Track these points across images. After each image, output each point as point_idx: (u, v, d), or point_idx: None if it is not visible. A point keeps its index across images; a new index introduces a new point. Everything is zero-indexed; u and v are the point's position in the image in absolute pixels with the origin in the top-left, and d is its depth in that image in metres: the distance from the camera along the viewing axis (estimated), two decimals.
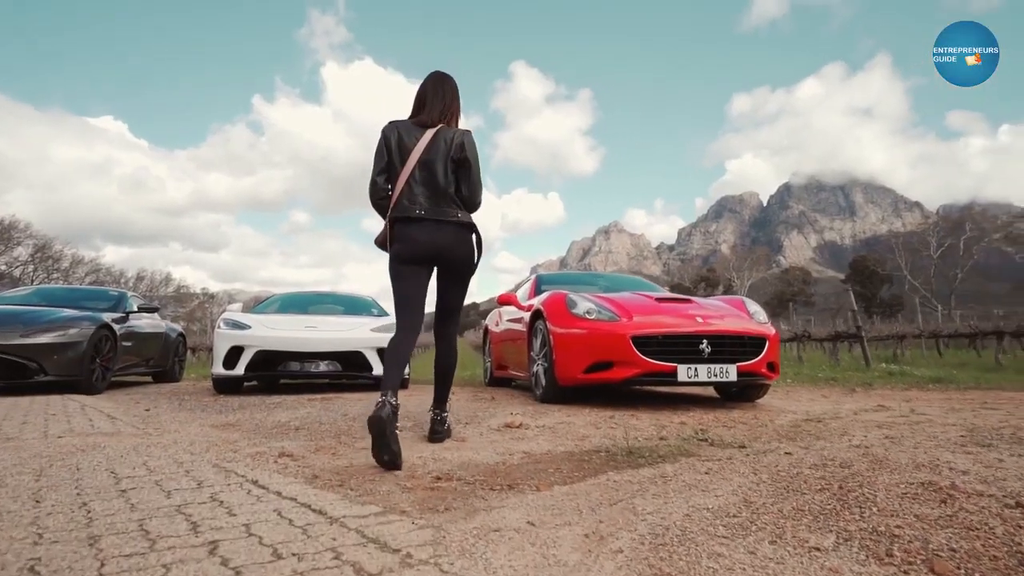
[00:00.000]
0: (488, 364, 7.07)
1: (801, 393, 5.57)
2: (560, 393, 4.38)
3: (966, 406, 4.35)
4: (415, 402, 4.65)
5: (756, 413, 3.91)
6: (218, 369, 5.43)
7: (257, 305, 7.02)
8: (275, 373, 5.50)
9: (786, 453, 2.46)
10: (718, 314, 4.31)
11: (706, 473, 2.08)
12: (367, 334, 5.73)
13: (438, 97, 2.80)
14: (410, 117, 2.82)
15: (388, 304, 7.16)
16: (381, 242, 2.82)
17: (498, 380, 6.63)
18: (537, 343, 4.67)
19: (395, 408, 2.32)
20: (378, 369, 5.62)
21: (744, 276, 69.45)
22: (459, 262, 2.78)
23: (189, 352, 18.27)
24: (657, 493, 1.80)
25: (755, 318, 4.42)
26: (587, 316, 4.19)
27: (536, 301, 4.98)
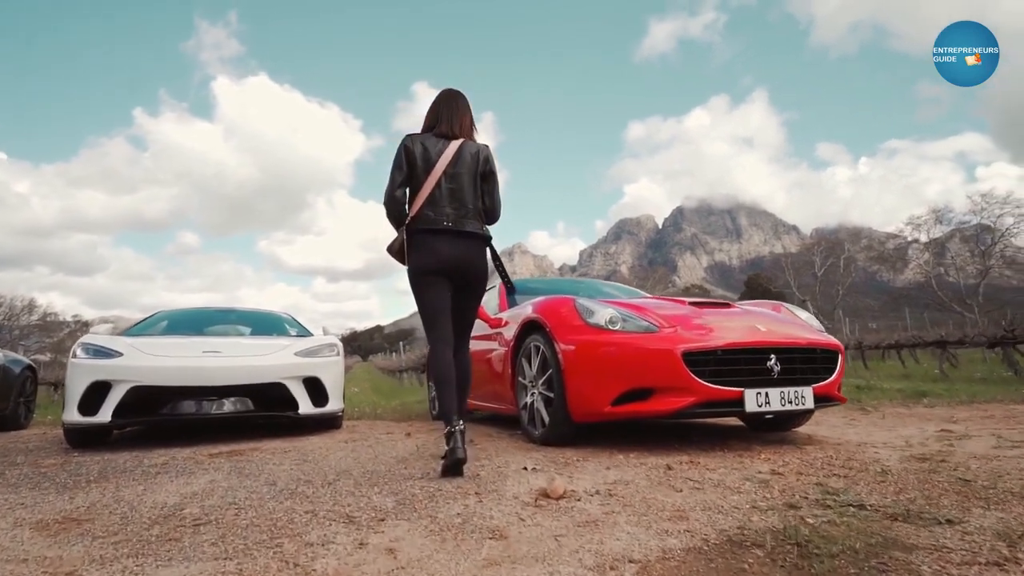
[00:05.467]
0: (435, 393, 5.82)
1: (817, 416, 4.76)
2: (572, 432, 3.26)
3: None
4: (367, 454, 3.35)
5: (838, 451, 2.97)
6: (72, 415, 3.82)
7: (133, 326, 5.32)
8: (158, 418, 3.95)
9: None
10: (778, 321, 3.37)
11: None
12: (289, 359, 4.31)
13: (457, 111, 2.81)
14: (426, 130, 2.81)
15: (307, 322, 5.76)
16: (397, 251, 2.76)
17: None
18: (531, 366, 3.53)
19: (463, 432, 2.46)
20: (305, 405, 4.22)
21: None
22: (476, 276, 2.78)
23: (50, 389, 15.44)
24: None
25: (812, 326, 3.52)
26: (610, 327, 3.11)
27: (521, 311, 3.85)
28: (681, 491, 2.20)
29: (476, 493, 2.19)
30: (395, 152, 2.73)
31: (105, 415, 3.77)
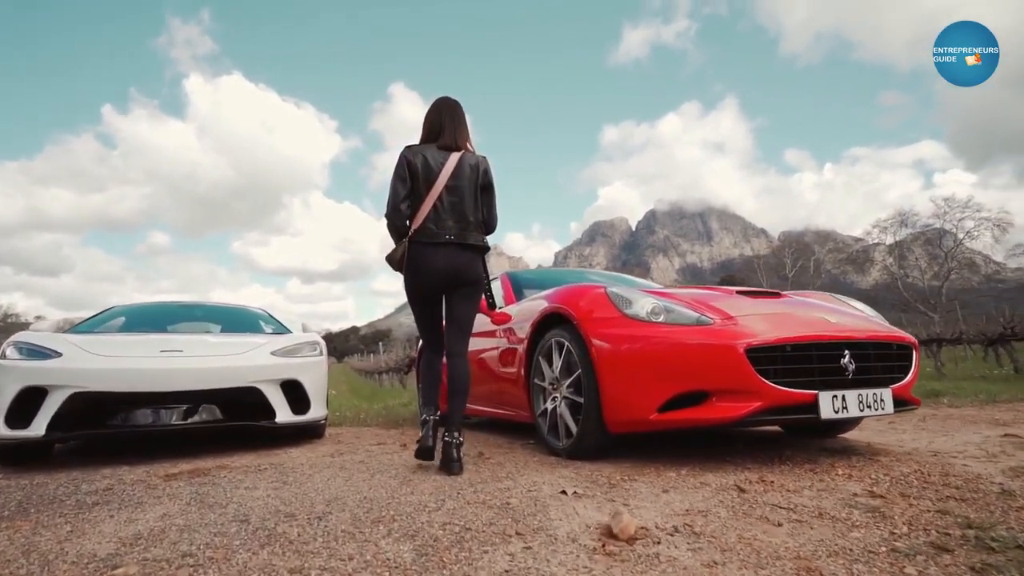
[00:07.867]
0: None
1: None
2: (606, 443, 2.76)
3: None
4: (360, 472, 2.79)
5: (921, 464, 2.52)
6: None
7: (82, 322, 4.64)
8: (106, 430, 3.33)
9: None
10: (845, 312, 2.91)
11: None
12: (265, 360, 3.72)
13: (456, 122, 2.81)
14: (424, 141, 2.82)
15: (287, 318, 5.18)
16: (398, 261, 2.75)
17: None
18: (552, 366, 3.01)
19: (436, 422, 2.74)
20: (283, 413, 3.64)
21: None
22: (471, 281, 2.77)
23: None
24: None
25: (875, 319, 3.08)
26: (653, 319, 2.61)
27: (535, 304, 3.34)
28: (781, 525, 1.71)
29: (518, 533, 1.67)
30: (395, 164, 2.74)
31: (39, 428, 3.14)
